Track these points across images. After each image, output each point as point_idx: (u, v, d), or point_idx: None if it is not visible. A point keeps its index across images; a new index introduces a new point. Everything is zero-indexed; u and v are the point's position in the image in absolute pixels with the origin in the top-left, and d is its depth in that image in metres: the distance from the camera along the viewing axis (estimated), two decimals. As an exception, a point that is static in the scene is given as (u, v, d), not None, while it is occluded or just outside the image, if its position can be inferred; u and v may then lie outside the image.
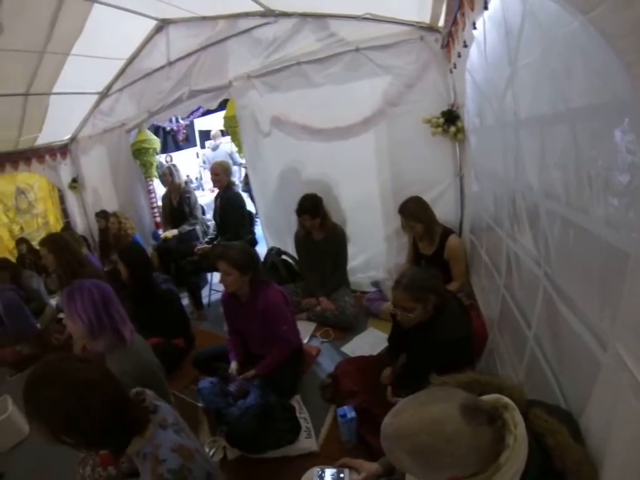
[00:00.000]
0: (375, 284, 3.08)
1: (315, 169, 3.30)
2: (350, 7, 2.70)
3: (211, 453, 1.87)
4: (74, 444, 1.04)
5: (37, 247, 4.84)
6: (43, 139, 5.37)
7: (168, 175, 4.03)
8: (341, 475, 1.40)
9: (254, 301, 2.16)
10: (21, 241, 4.99)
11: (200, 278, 3.83)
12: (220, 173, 3.60)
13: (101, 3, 3.18)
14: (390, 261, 3.15)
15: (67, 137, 5.61)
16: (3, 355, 3.38)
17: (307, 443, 1.95)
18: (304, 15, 2.99)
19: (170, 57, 3.91)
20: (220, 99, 3.68)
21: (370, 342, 2.63)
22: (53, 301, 4.23)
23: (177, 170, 4.11)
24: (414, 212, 2.50)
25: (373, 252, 3.25)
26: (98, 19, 3.35)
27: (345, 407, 1.81)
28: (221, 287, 3.52)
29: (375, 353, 2.35)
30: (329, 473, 1.42)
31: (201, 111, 4.86)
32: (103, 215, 4.85)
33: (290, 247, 3.36)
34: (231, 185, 3.69)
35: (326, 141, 3.14)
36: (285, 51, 3.16)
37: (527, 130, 1.28)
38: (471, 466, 0.75)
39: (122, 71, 4.42)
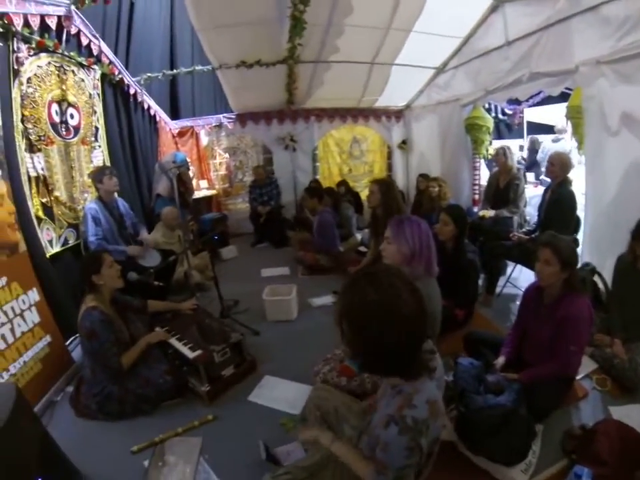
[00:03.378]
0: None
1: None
2: None
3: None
4: (352, 353, 1.17)
5: (356, 190, 6.51)
6: (381, 102, 6.60)
7: (501, 156, 4.27)
8: None
9: (557, 305, 2.12)
10: (341, 183, 6.42)
11: (503, 265, 4.04)
12: (556, 164, 3.55)
13: None
14: None
15: (403, 103, 6.69)
16: (304, 257, 4.68)
17: (519, 476, 1.86)
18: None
19: (508, 37, 4.00)
20: (564, 85, 3.53)
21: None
22: (359, 235, 5.31)
23: (510, 153, 4.32)
24: None
25: None
26: None
27: (586, 469, 1.64)
28: (518, 283, 3.86)
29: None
30: None
31: (541, 96, 4.58)
32: (424, 177, 5.61)
33: (606, 270, 3.02)
34: (566, 180, 3.58)
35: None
36: (639, 34, 2.71)
37: None
38: None
39: (458, 49, 4.83)
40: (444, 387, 1.31)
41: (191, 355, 2.52)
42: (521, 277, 3.97)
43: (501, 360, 2.28)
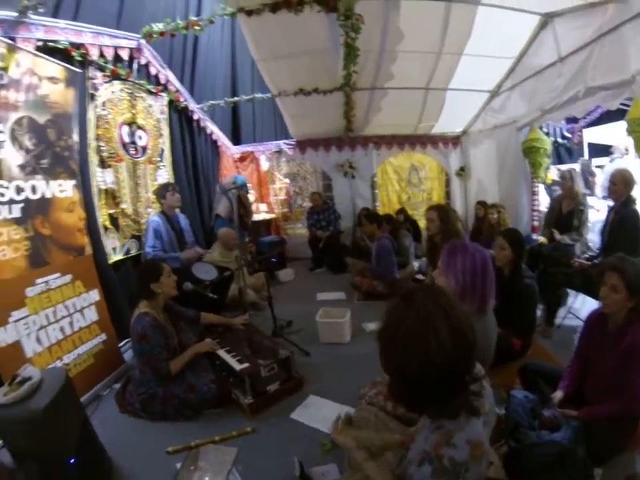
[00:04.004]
0: None
1: None
2: None
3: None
4: (392, 374, 1.04)
5: (414, 218, 6.32)
6: (438, 128, 6.51)
7: (568, 179, 3.92)
8: None
9: (622, 333, 1.87)
10: (400, 211, 6.35)
11: (564, 294, 3.71)
12: (618, 183, 3.30)
13: (484, 5, 3.57)
14: None
15: (459, 129, 6.58)
16: (361, 282, 4.60)
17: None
18: None
19: (560, 53, 3.81)
20: (621, 97, 3.26)
21: None
22: (416, 263, 5.19)
23: (577, 176, 3.98)
24: None
25: None
26: (484, 19, 3.74)
27: None
28: (580, 314, 3.51)
29: None
30: None
31: (599, 111, 4.28)
32: (483, 204, 5.42)
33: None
34: (630, 199, 3.31)
35: None
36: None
37: None
38: None
39: (511, 70, 4.71)
40: (494, 423, 1.15)
41: (237, 366, 2.53)
42: (583, 307, 3.61)
43: (558, 394, 2.02)
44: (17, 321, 2.33)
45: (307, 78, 4.89)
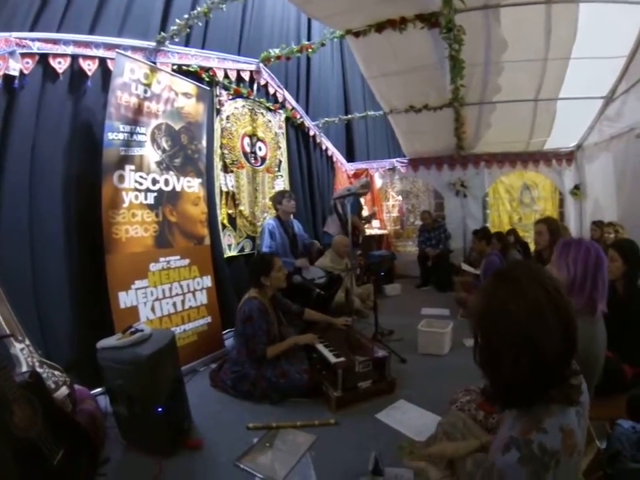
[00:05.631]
0: None
1: None
2: None
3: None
4: (482, 359, 0.96)
5: (525, 240, 5.71)
6: (551, 143, 5.89)
7: None
8: None
9: None
10: (511, 232, 5.74)
11: None
12: None
13: (584, 1, 3.16)
14: None
15: (573, 144, 5.93)
16: (466, 298, 4.29)
17: None
18: None
19: None
20: None
21: None
22: None
23: None
24: None
25: None
26: (588, 18, 3.32)
27: None
28: None
29: None
30: None
31: None
32: (598, 224, 4.82)
33: None
34: None
35: None
36: None
37: None
38: None
39: (624, 70, 4.04)
40: (587, 418, 0.96)
41: (333, 359, 2.51)
42: None
43: None
44: (138, 289, 2.68)
45: (416, 94, 4.82)
